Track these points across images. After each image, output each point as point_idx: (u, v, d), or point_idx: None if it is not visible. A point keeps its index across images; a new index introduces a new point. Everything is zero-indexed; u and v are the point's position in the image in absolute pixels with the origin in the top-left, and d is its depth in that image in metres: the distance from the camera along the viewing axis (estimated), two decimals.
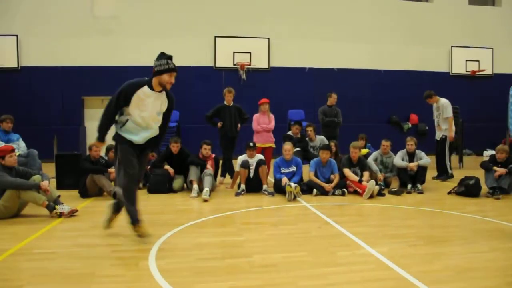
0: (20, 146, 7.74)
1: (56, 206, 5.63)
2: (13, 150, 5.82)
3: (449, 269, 3.63)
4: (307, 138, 9.04)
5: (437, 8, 15.85)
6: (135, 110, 4.35)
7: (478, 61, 16.01)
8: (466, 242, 4.46)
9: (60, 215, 5.58)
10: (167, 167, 7.76)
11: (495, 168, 7.27)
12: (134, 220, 4.47)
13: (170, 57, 4.42)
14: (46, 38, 13.51)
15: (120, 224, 5.34)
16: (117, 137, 4.52)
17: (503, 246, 4.32)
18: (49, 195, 5.67)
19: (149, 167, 8.05)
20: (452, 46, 15.87)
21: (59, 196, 5.86)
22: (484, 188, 7.29)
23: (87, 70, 13.64)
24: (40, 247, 4.32)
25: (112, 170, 7.18)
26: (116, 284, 3.32)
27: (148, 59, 13.81)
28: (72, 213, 5.68)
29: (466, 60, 15.93)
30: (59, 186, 7.73)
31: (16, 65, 13.48)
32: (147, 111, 4.39)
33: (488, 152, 14.17)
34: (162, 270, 3.59)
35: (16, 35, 13.39)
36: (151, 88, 4.39)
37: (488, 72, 16.11)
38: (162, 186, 7.58)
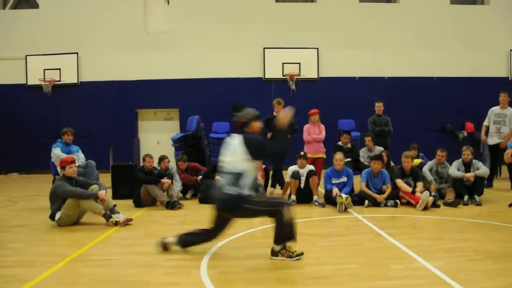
0: (79, 157, 8.10)
1: (112, 215, 5.85)
2: (73, 161, 6.12)
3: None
4: (364, 148, 8.93)
5: (493, 11, 15.19)
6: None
7: None
8: None
9: (116, 223, 5.79)
10: (218, 177, 7.85)
11: None
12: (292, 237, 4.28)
13: (248, 104, 4.51)
14: (103, 54, 14.18)
15: (173, 233, 5.47)
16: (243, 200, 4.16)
17: None
18: (106, 204, 5.91)
19: (200, 177, 8.23)
20: (511, 50, 15.14)
21: (115, 205, 6.08)
22: None
23: (140, 83, 14.16)
24: (97, 254, 4.52)
25: (165, 180, 7.39)
26: None
27: (198, 72, 14.29)
28: (127, 222, 5.88)
29: None
30: (115, 196, 8.04)
31: (76, 81, 14.23)
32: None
33: None
34: (214, 279, 3.64)
35: (77, 53, 14.14)
36: None
37: None
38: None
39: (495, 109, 9.02)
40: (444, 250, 4.49)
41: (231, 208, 4.18)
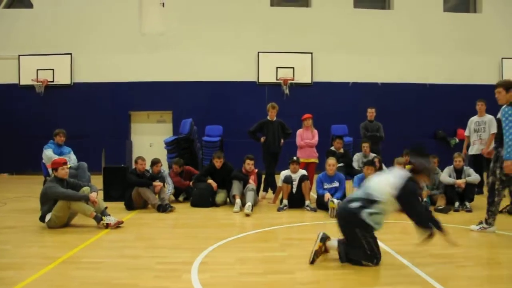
0: (71, 158, 8.05)
1: (103, 217, 5.82)
2: (65, 163, 6.08)
3: None
4: (360, 153, 8.98)
5: (486, 19, 15.33)
6: None
7: None
8: None
9: (107, 226, 5.75)
10: (210, 181, 7.85)
11: None
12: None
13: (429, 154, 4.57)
14: (97, 55, 14.14)
15: (164, 236, 5.47)
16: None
17: None
18: (97, 206, 5.87)
19: (192, 181, 8.22)
20: (502, 58, 15.28)
21: (106, 207, 6.04)
22: None
23: (134, 85, 14.12)
24: (88, 257, 4.49)
25: (156, 183, 7.36)
26: None
27: (192, 75, 14.29)
28: (118, 225, 5.85)
29: None
30: (106, 198, 8.00)
31: (69, 82, 14.17)
32: None
33: None
34: (204, 283, 3.63)
35: (70, 53, 14.09)
36: None
37: None
38: (205, 200, 7.68)
39: (474, 118, 9.05)
40: (434, 256, 4.50)
41: (347, 221, 4.23)
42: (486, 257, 4.58)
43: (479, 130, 8.89)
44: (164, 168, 8.40)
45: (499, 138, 5.51)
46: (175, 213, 7.08)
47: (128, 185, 7.45)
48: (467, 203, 7.40)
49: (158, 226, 6.20)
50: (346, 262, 4.11)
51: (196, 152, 11.67)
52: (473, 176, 7.62)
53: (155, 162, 7.87)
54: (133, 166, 7.78)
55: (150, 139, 14.43)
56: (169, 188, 7.93)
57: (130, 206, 7.38)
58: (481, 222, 5.71)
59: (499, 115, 5.53)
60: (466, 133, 9.26)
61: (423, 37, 14.96)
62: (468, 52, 15.06)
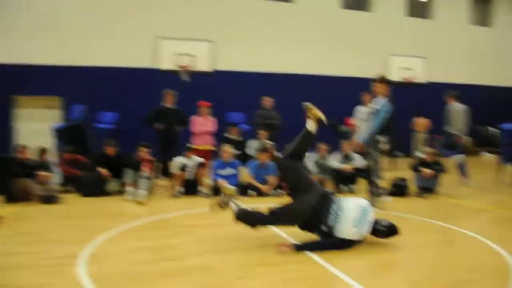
0: None
1: None
2: None
3: (376, 263, 3.81)
4: (256, 141, 9.14)
5: (377, 18, 16.53)
6: None
7: (413, 69, 16.88)
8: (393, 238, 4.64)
9: None
10: (101, 169, 7.51)
11: (423, 170, 7.69)
12: None
13: None
14: None
15: (49, 229, 5.14)
16: None
17: (426, 241, 4.60)
18: None
19: (82, 170, 7.79)
20: (389, 54, 16.58)
21: None
22: (413, 188, 7.68)
23: (18, 68, 12.93)
24: None
25: (41, 173, 6.86)
26: None
27: (85, 59, 13.45)
28: None
29: (401, 68, 16.68)
30: None
31: None
32: None
33: (418, 154, 14.87)
34: (93, 276, 3.46)
35: None
36: None
37: (421, 80, 17.00)
38: (96, 189, 7.32)
39: (360, 107, 9.79)
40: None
41: None
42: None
43: (367, 120, 9.59)
44: (52, 156, 7.85)
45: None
46: (62, 204, 6.63)
47: (8, 176, 6.83)
48: (351, 186, 7.96)
49: (43, 219, 5.78)
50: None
51: (88, 139, 11.09)
52: (358, 161, 8.19)
53: (41, 150, 7.33)
54: (14, 155, 7.17)
55: (36, 126, 13.35)
56: (54, 178, 7.43)
57: (11, 199, 6.77)
58: None
59: (378, 106, 6.18)
60: (355, 122, 9.93)
61: (320, 31, 15.65)
62: (360, 48, 16.11)
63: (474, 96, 17.85)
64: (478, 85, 18.13)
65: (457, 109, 9.50)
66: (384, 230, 4.16)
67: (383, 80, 6.36)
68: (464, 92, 16.02)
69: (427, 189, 7.55)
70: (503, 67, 18.80)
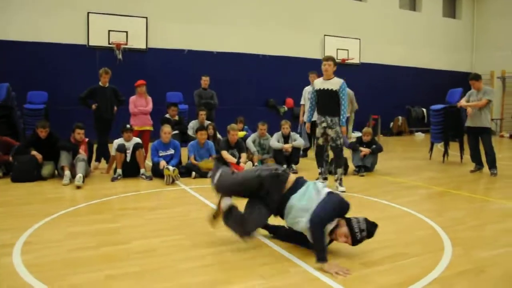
0: None
1: None
2: None
3: None
4: (195, 121, 9.05)
5: None
6: None
7: (348, 50, 17.38)
8: None
9: None
10: (34, 152, 7.13)
11: (361, 148, 8.01)
12: None
13: None
14: None
15: None
16: None
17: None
18: None
19: (12, 154, 7.36)
20: (325, 35, 16.92)
21: None
22: (351, 167, 7.98)
23: None
24: None
25: None
26: None
27: (9, 34, 12.56)
28: None
29: (337, 49, 17.11)
30: None
31: None
32: None
33: (355, 134, 15.45)
34: (29, 265, 3.31)
35: None
36: None
37: (356, 60, 17.55)
38: (28, 174, 6.95)
39: (308, 88, 10.01)
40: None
41: None
42: None
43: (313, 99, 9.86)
44: None
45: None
46: None
47: None
48: (293, 165, 8.14)
49: None
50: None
51: (16, 121, 10.44)
52: (298, 141, 8.37)
53: None
54: None
55: None
56: None
57: None
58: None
59: (333, 87, 6.35)
60: (302, 101, 10.13)
61: (257, 9, 15.66)
62: (297, 28, 16.34)
63: (406, 78, 18.79)
64: (410, 67, 19.08)
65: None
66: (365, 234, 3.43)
67: (334, 60, 6.39)
68: (397, 73, 16.84)
69: (365, 167, 7.87)
70: (432, 50, 19.85)
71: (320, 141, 6.58)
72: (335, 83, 6.35)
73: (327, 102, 6.38)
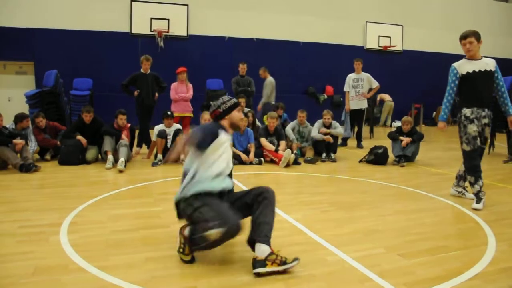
0: None
1: None
2: None
3: (358, 231, 3.87)
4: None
5: None
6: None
7: (390, 37, 16.91)
8: (374, 207, 4.77)
9: None
10: (79, 137, 7.38)
11: (401, 138, 7.81)
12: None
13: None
14: None
15: (28, 198, 5.08)
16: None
17: (405, 208, 4.69)
18: None
19: (59, 138, 7.66)
20: (367, 22, 16.53)
21: None
22: (391, 157, 7.81)
23: None
24: None
25: (17, 141, 6.70)
26: (24, 261, 3.12)
27: (57, 22, 12.99)
28: None
29: (379, 36, 16.70)
30: None
31: None
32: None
33: (396, 124, 15.10)
34: (75, 244, 3.45)
35: None
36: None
37: (398, 48, 17.07)
38: (74, 157, 7.22)
39: (352, 75, 9.91)
40: (303, 204, 4.85)
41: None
42: (347, 201, 5.04)
43: (357, 86, 9.83)
44: (29, 124, 7.66)
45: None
46: (40, 173, 6.55)
47: None
48: (332, 154, 8.04)
49: (21, 187, 5.69)
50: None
51: (63, 106, 10.84)
52: (337, 129, 8.26)
53: (21, 117, 7.18)
54: None
55: (8, 93, 12.97)
56: (31, 146, 7.28)
57: None
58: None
59: (490, 68, 4.76)
60: (346, 88, 10.05)
61: None
62: (338, 15, 16.03)
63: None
64: (455, 54, 18.32)
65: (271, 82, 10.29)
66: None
67: (476, 35, 4.71)
68: (441, 60, 16.21)
69: (405, 156, 7.68)
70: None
71: (479, 141, 4.83)
72: (489, 63, 4.78)
73: (485, 88, 4.79)
